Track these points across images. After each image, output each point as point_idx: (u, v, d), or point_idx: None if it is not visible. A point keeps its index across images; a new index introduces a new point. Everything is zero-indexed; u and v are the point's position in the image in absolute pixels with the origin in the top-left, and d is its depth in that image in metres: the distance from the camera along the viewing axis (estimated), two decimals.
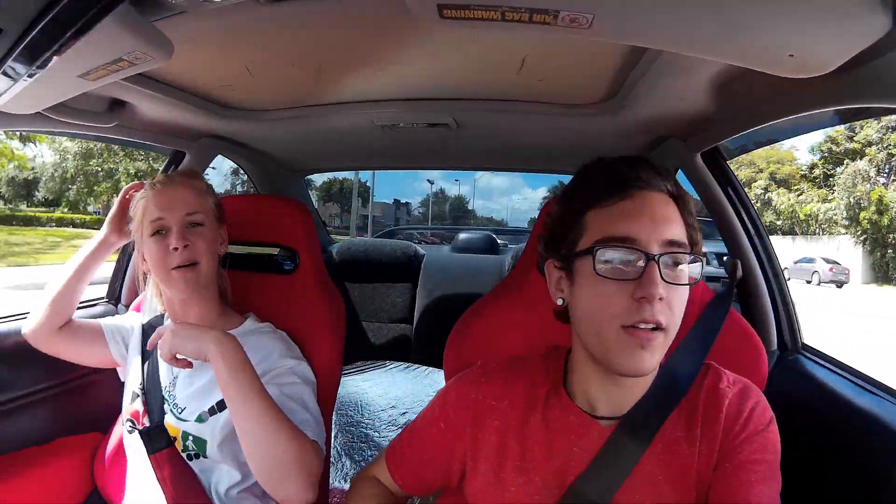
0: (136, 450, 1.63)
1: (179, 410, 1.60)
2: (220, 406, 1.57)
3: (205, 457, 1.57)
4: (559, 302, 1.21)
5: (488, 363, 1.39)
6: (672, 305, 1.10)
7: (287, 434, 1.41)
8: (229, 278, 1.85)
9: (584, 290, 1.15)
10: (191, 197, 1.68)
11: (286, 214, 2.05)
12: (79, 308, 1.89)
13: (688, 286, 1.13)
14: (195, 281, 1.65)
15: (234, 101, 2.17)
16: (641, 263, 1.09)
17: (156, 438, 1.57)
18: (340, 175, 34.05)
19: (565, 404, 1.25)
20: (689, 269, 1.13)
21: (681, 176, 2.17)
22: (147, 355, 1.73)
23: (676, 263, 1.11)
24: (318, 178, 33.89)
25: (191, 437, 1.57)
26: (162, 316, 1.81)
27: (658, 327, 1.08)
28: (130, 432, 1.64)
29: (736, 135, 1.86)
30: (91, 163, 34.98)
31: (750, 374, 1.30)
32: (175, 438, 1.57)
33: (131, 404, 1.68)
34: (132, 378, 1.72)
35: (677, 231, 1.13)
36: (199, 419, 1.56)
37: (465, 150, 2.77)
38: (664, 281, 1.08)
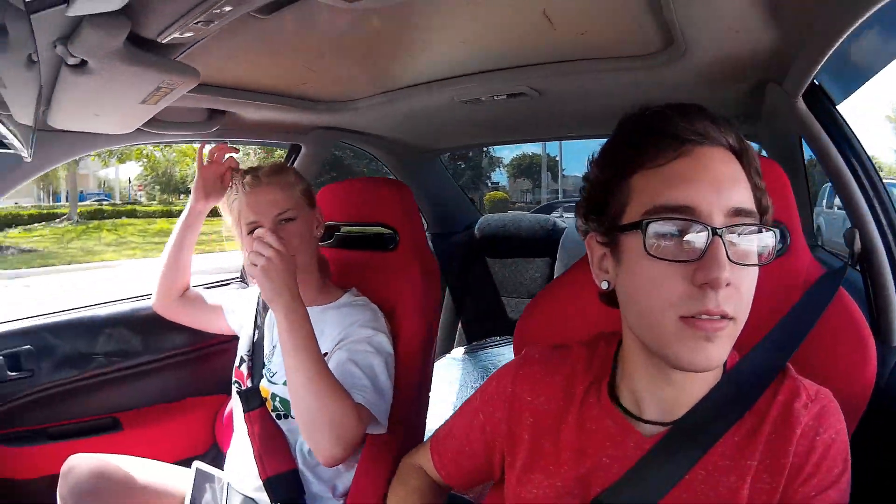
0: (239, 408, 1.88)
1: (272, 375, 1.83)
2: None
3: (290, 417, 1.77)
4: (604, 285, 1.05)
5: (532, 352, 1.25)
6: (741, 290, 0.92)
7: (329, 395, 1.54)
8: (337, 255, 2.08)
9: (632, 272, 0.98)
10: (279, 196, 1.82)
11: (386, 195, 2.17)
12: (214, 287, 2.34)
13: (757, 266, 0.95)
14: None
15: (323, 95, 2.28)
16: (703, 239, 0.91)
17: (251, 399, 1.83)
18: (529, 150, 33.56)
19: (604, 404, 1.10)
20: (760, 243, 0.94)
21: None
22: (258, 325, 1.97)
23: (748, 238, 0.94)
24: (508, 156, 33.37)
25: (278, 399, 1.79)
26: None
27: (725, 316, 0.91)
28: (237, 392, 1.91)
29: (827, 54, 1.45)
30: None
31: (848, 378, 1.17)
32: (266, 399, 1.80)
33: (239, 368, 1.94)
34: (243, 344, 1.99)
35: (744, 196, 0.95)
36: (286, 383, 1.70)
37: (549, 119, 2.72)
38: (731, 261, 0.90)
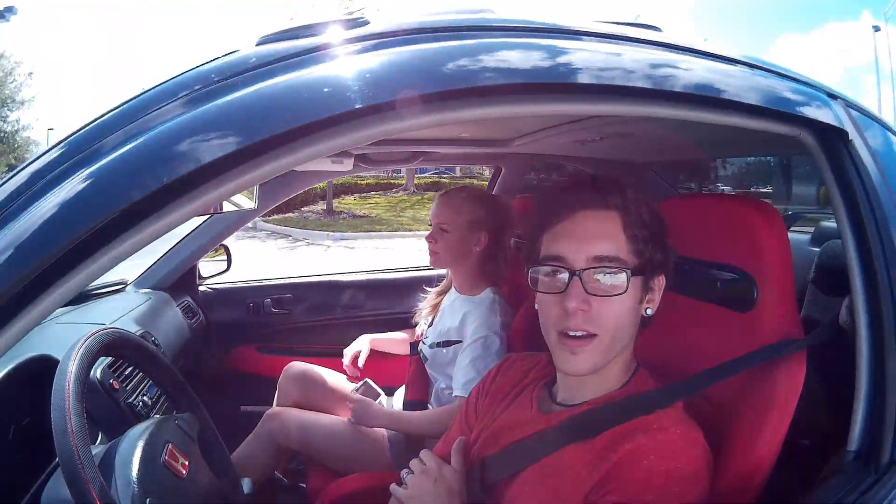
0: None
1: (426, 338, 2.64)
2: (439, 345, 2.47)
3: (427, 366, 2.60)
4: (536, 307, 1.30)
5: (513, 356, 1.65)
6: (601, 314, 1.19)
7: None
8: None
9: (538, 300, 1.28)
10: (444, 212, 2.45)
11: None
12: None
13: (619, 296, 1.19)
14: (436, 263, 2.52)
15: (490, 136, 2.85)
16: (564, 277, 1.20)
17: (413, 349, 2.73)
18: None
19: (531, 391, 1.44)
20: (615, 281, 1.20)
21: None
22: (438, 309, 2.70)
23: (605, 275, 1.20)
24: None
25: (422, 353, 2.61)
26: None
27: (588, 334, 1.19)
28: (409, 344, 2.85)
29: None
30: None
31: (744, 443, 1.23)
32: (421, 351, 2.63)
33: (418, 332, 2.82)
34: (422, 321, 2.83)
35: (607, 246, 1.20)
36: (430, 345, 2.53)
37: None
38: (589, 293, 1.18)
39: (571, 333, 1.19)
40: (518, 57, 0.98)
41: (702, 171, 4.55)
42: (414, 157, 2.99)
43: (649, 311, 1.28)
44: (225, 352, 3.25)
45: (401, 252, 13.77)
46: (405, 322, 3.06)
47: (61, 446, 1.07)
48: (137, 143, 0.79)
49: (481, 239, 2.43)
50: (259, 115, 0.82)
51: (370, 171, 3.22)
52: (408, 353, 2.87)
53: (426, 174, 31.81)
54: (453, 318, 2.47)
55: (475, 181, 30.43)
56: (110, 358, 1.84)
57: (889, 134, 1.59)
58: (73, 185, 0.77)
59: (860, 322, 1.30)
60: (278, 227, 19.84)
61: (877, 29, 22.73)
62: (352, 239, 17.03)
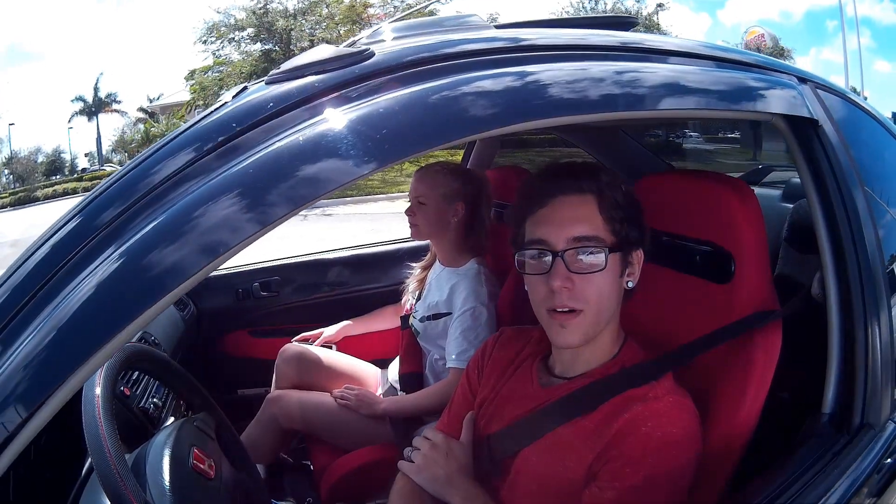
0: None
1: (416, 312, 2.69)
2: (429, 318, 2.52)
3: (419, 339, 2.66)
4: (526, 288, 1.39)
5: (515, 329, 1.68)
6: (584, 291, 1.27)
7: None
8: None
9: (526, 282, 1.37)
10: (420, 186, 2.50)
11: (512, 181, 2.59)
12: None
13: (600, 272, 1.28)
14: (417, 235, 2.61)
15: None
16: (548, 259, 1.29)
17: (404, 322, 2.75)
18: None
19: (531, 367, 1.50)
20: (594, 259, 1.28)
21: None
22: (425, 283, 2.75)
23: (585, 254, 1.28)
24: None
25: (414, 326, 2.66)
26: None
27: (573, 310, 1.28)
28: (400, 317, 2.87)
29: None
30: None
31: (728, 407, 1.34)
32: (412, 325, 2.68)
33: (406, 306, 2.86)
34: (411, 293, 2.88)
35: (584, 227, 1.29)
36: (420, 319, 2.58)
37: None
38: (571, 272, 1.27)
39: (559, 310, 1.29)
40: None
41: (671, 124, 4.58)
42: None
43: (630, 284, 1.38)
44: (218, 338, 3.29)
45: (381, 216, 13.94)
46: (392, 295, 3.13)
47: (100, 465, 1.12)
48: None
49: (458, 210, 2.49)
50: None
51: None
52: (394, 325, 2.97)
53: None
54: (440, 292, 2.53)
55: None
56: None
57: (862, 115, 1.70)
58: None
59: (830, 297, 1.43)
60: None
61: None
62: (324, 207, 16.93)
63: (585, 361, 1.40)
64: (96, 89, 46.97)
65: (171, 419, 1.82)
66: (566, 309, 1.28)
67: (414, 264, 2.90)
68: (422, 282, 2.78)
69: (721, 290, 1.43)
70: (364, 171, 0.85)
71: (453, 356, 2.36)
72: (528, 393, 1.45)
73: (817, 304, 1.47)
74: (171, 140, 0.91)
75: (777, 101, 1.38)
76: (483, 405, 1.55)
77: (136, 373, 1.93)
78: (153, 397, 1.92)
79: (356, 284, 3.51)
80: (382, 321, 3.15)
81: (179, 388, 1.68)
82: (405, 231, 2.73)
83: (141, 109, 44.92)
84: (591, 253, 1.28)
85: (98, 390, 1.24)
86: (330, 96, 0.92)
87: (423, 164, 2.70)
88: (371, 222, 13.33)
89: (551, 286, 1.27)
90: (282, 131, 0.87)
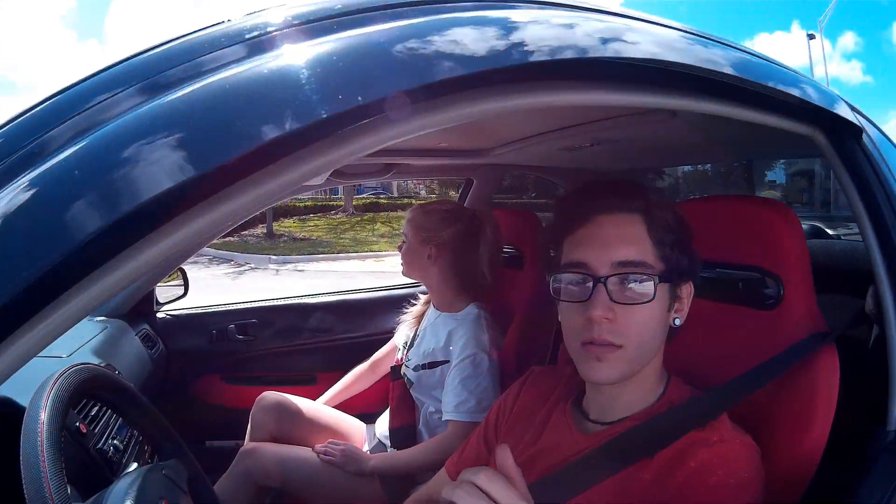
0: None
1: (408, 360, 2.51)
2: (424, 367, 2.36)
3: (412, 390, 2.46)
4: (560, 318, 1.24)
5: (537, 368, 1.55)
6: (626, 324, 1.13)
7: None
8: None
9: (559, 309, 1.23)
10: (406, 223, 2.47)
11: (516, 224, 2.65)
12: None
13: (647, 304, 1.13)
14: (407, 275, 2.51)
15: (466, 146, 2.73)
16: (589, 285, 1.14)
17: (395, 372, 2.55)
18: None
19: (565, 409, 1.34)
20: (641, 289, 1.14)
21: None
22: (417, 334, 2.61)
23: (631, 282, 1.14)
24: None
25: (406, 377, 2.47)
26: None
27: (612, 345, 1.13)
28: (390, 368, 2.66)
29: None
30: None
31: (791, 439, 1.22)
32: (404, 375, 2.49)
33: (398, 356, 2.67)
34: (400, 340, 2.70)
35: (632, 250, 1.15)
36: (414, 368, 2.42)
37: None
38: (614, 301, 1.12)
39: (597, 343, 1.13)
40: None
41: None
42: (387, 169, 2.92)
43: (678, 322, 1.23)
44: (188, 382, 3.08)
45: (353, 274, 14.04)
46: (380, 344, 2.94)
47: None
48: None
49: (431, 253, 2.39)
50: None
51: (341, 184, 3.08)
52: (368, 385, 2.87)
53: (364, 195, 32.71)
54: (437, 338, 2.38)
55: (413, 200, 31.55)
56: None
57: (879, 132, 1.69)
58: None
59: (889, 310, 1.33)
60: (219, 251, 19.73)
61: (811, 37, 23.41)
62: (296, 262, 16.92)
63: (626, 404, 1.23)
64: None
65: (134, 465, 1.56)
66: (604, 343, 1.13)
67: (407, 309, 2.74)
68: (415, 328, 2.62)
69: (767, 316, 1.34)
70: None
71: (452, 407, 2.18)
72: (566, 439, 1.27)
73: (870, 321, 1.42)
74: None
75: (826, 106, 1.32)
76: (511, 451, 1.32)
77: (96, 407, 1.68)
78: (114, 438, 1.66)
79: (341, 332, 3.32)
80: (360, 382, 2.91)
81: (147, 429, 1.44)
82: None
83: None
84: (638, 281, 1.14)
85: (43, 415, 0.98)
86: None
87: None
88: (342, 279, 13.48)
89: (590, 316, 1.12)
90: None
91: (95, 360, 2.15)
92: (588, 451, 1.18)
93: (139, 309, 2.94)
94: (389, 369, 2.63)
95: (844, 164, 1.38)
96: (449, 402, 2.19)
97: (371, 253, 17.91)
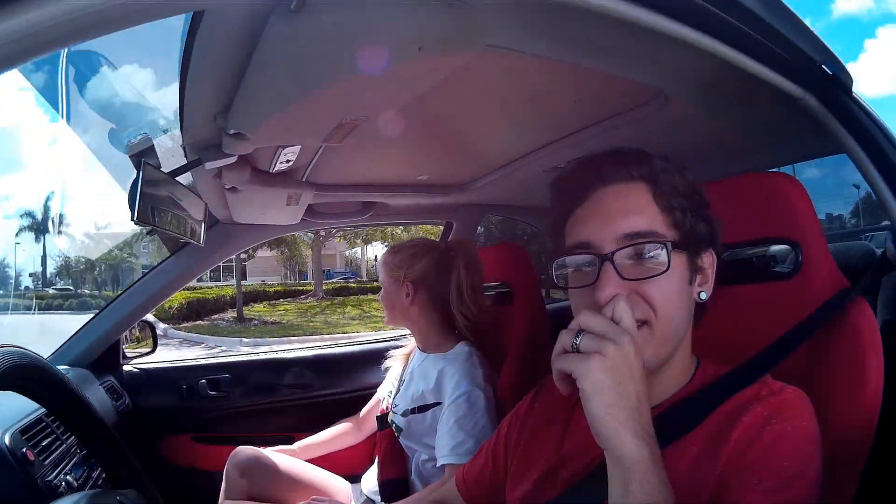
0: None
1: (395, 406, 2.34)
2: (414, 411, 2.21)
3: (402, 438, 2.29)
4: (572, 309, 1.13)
5: (549, 377, 1.38)
6: (651, 297, 1.03)
7: None
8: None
9: (570, 299, 1.13)
10: (379, 268, 2.40)
11: (503, 257, 2.52)
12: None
13: (663, 276, 1.03)
14: (390, 322, 2.40)
15: (449, 180, 2.73)
16: (595, 266, 1.05)
17: (382, 422, 2.39)
18: None
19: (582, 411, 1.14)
20: (656, 258, 1.04)
21: None
22: (403, 380, 2.47)
23: (642, 255, 1.04)
24: None
25: (394, 424, 2.31)
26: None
27: (637, 322, 1.01)
28: (376, 417, 2.48)
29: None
30: None
31: (847, 394, 1.16)
32: (392, 423, 2.32)
33: (383, 405, 2.51)
34: (386, 389, 2.57)
35: (638, 220, 1.05)
36: (403, 413, 2.25)
37: None
38: (625, 279, 1.02)
39: None
40: None
41: None
42: (365, 208, 2.86)
43: (704, 296, 1.12)
44: (156, 441, 2.83)
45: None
46: (361, 402, 2.79)
47: None
48: None
49: (408, 292, 2.30)
50: None
51: (318, 226, 3.02)
52: (353, 443, 2.74)
53: (333, 279, 33.51)
54: (426, 379, 2.23)
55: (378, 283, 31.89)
56: (24, 422, 1.43)
57: None
58: None
59: None
60: (190, 334, 19.76)
61: None
62: (268, 344, 16.73)
63: (657, 393, 1.11)
64: (46, 209, 45.81)
65: None
66: None
67: (391, 353, 2.61)
68: (401, 373, 2.46)
69: (791, 285, 1.32)
70: None
71: (448, 450, 2.00)
72: (592, 441, 1.04)
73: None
74: None
75: (820, 64, 1.35)
76: (531, 463, 1.25)
77: (50, 436, 1.50)
78: (68, 473, 1.47)
79: (320, 388, 3.12)
80: (345, 437, 2.75)
81: (98, 447, 1.23)
82: None
83: (87, 235, 43.83)
84: (649, 252, 1.04)
85: None
86: None
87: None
88: None
89: (598, 299, 1.01)
90: None
91: None
92: None
93: (104, 360, 2.75)
94: (375, 420, 2.47)
95: (843, 122, 1.38)
96: (444, 444, 2.02)
97: (343, 334, 17.83)
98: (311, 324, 22.19)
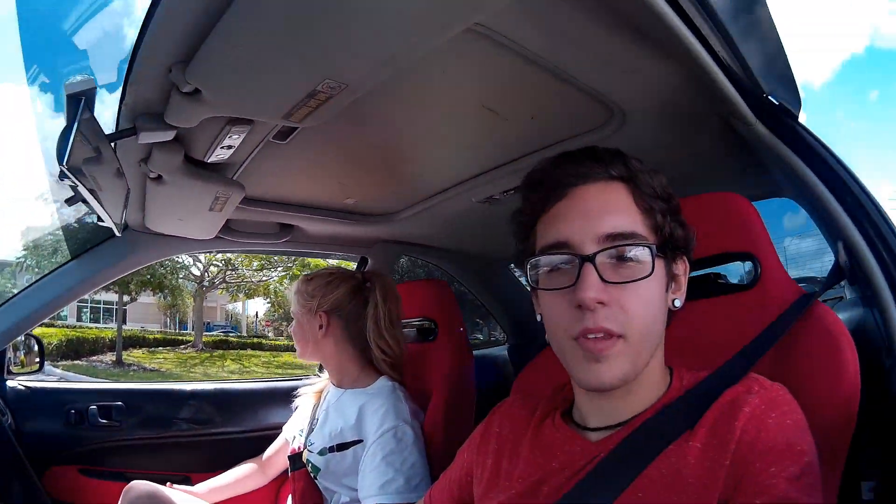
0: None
1: (311, 444, 2.18)
2: (332, 450, 2.08)
3: (319, 478, 2.14)
4: (538, 318, 1.14)
5: (513, 398, 1.39)
6: (626, 307, 1.00)
7: None
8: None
9: (541, 304, 1.11)
10: (295, 300, 2.27)
11: (427, 293, 2.49)
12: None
13: (645, 281, 1.02)
14: (302, 356, 2.28)
15: (371, 209, 2.67)
16: (575, 267, 1.02)
17: (296, 461, 2.22)
18: None
19: (557, 422, 1.19)
20: (637, 260, 1.02)
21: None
22: (316, 417, 2.32)
23: (623, 258, 1.02)
24: None
25: (311, 464, 2.14)
26: None
27: (611, 335, 1.00)
28: (288, 457, 2.32)
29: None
30: None
31: (827, 384, 1.19)
32: (308, 462, 2.16)
33: (292, 444, 2.35)
34: (296, 427, 2.40)
35: (620, 221, 1.03)
36: (320, 452, 2.10)
37: None
38: (606, 282, 1.00)
39: (592, 336, 1.00)
40: None
41: None
42: (283, 231, 2.76)
43: (678, 303, 1.11)
44: (39, 472, 2.48)
45: None
46: (267, 442, 2.65)
47: None
48: None
49: (322, 323, 2.21)
50: None
51: (233, 247, 2.86)
52: (257, 486, 2.59)
53: (213, 332, 33.29)
54: (345, 416, 2.10)
55: (262, 340, 31.64)
56: None
57: None
58: None
59: (864, 253, 1.39)
60: (67, 372, 18.92)
61: None
62: None
63: (634, 403, 1.10)
64: None
65: None
66: (601, 334, 0.99)
67: (301, 390, 2.49)
68: (312, 412, 2.33)
69: (751, 296, 1.39)
70: None
71: (376, 489, 1.89)
72: (573, 451, 1.12)
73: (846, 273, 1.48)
74: None
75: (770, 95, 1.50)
76: (504, 486, 1.20)
77: None
78: None
79: (221, 425, 2.90)
80: (249, 480, 2.59)
81: None
82: None
83: None
84: (632, 255, 1.02)
85: None
86: None
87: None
88: None
89: (580, 301, 0.99)
90: None
91: None
92: (607, 453, 1.04)
93: None
94: (287, 460, 2.31)
95: (790, 146, 1.50)
96: (371, 484, 1.90)
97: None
98: (190, 374, 21.82)
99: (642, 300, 1.01)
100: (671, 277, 1.09)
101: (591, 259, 1.00)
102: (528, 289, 1.15)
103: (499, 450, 1.26)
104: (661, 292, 1.06)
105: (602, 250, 1.00)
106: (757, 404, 0.98)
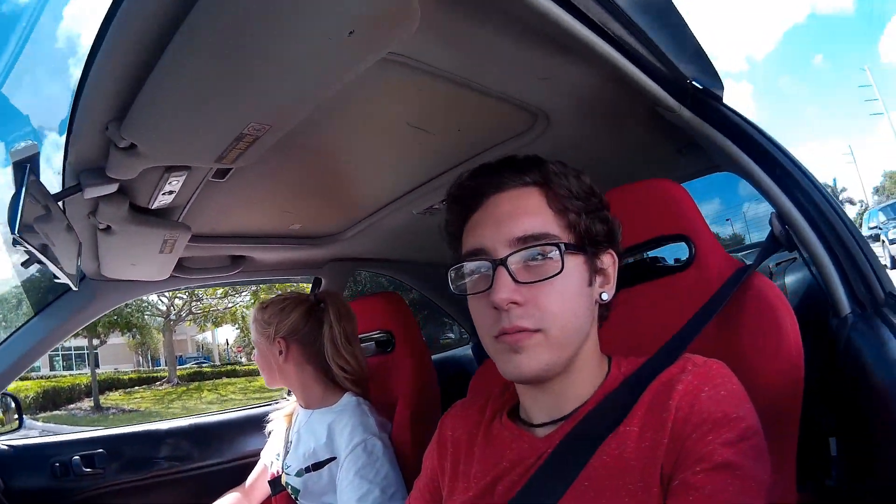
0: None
1: (287, 467, 2.24)
2: (308, 470, 2.12)
3: (300, 499, 2.19)
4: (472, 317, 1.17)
5: (461, 400, 1.43)
6: (540, 304, 1.04)
7: None
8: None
9: (470, 308, 1.15)
10: (253, 329, 2.31)
11: (381, 306, 2.53)
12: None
13: (557, 277, 1.05)
14: (271, 384, 2.33)
15: (318, 231, 2.73)
16: (490, 270, 1.07)
17: (276, 486, 2.27)
18: None
19: (504, 421, 1.23)
20: (548, 259, 1.06)
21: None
22: (289, 440, 2.37)
23: (535, 257, 1.06)
24: None
25: (290, 486, 2.20)
26: None
27: (525, 330, 1.04)
28: (268, 482, 2.37)
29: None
30: None
31: (770, 352, 1.23)
32: (287, 485, 2.22)
33: (271, 469, 2.41)
34: (272, 452, 2.44)
35: (531, 223, 1.08)
36: (297, 474, 2.16)
37: None
38: (519, 282, 1.04)
39: (509, 332, 1.05)
40: None
41: None
42: (234, 264, 2.81)
43: (605, 296, 1.16)
44: None
45: None
46: (245, 470, 2.65)
47: None
48: None
49: (281, 349, 2.25)
50: None
51: (189, 284, 2.87)
52: None
53: (186, 365, 33.17)
54: (316, 436, 2.17)
55: (237, 367, 31.42)
56: None
57: None
58: None
59: (797, 218, 1.46)
60: (48, 424, 18.29)
61: None
62: None
63: (573, 397, 1.14)
64: None
65: None
66: (518, 330, 1.04)
67: (271, 416, 2.55)
68: (285, 435, 2.39)
69: (689, 275, 1.43)
70: None
71: (353, 503, 1.94)
72: (521, 448, 1.16)
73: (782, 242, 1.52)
74: None
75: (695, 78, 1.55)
76: (461, 487, 1.24)
77: None
78: None
79: (200, 459, 2.98)
80: None
81: None
82: None
83: None
84: (541, 254, 1.06)
85: None
86: None
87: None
88: None
89: (494, 303, 1.04)
90: None
91: None
92: (553, 448, 1.08)
93: None
94: (268, 485, 2.36)
95: (718, 127, 1.57)
96: (348, 498, 1.96)
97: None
98: (169, 410, 21.60)
99: (559, 297, 1.05)
100: (595, 271, 1.13)
101: (503, 262, 1.05)
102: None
103: (455, 452, 1.30)
104: (581, 287, 1.10)
105: (513, 253, 1.06)
106: (690, 381, 1.03)
